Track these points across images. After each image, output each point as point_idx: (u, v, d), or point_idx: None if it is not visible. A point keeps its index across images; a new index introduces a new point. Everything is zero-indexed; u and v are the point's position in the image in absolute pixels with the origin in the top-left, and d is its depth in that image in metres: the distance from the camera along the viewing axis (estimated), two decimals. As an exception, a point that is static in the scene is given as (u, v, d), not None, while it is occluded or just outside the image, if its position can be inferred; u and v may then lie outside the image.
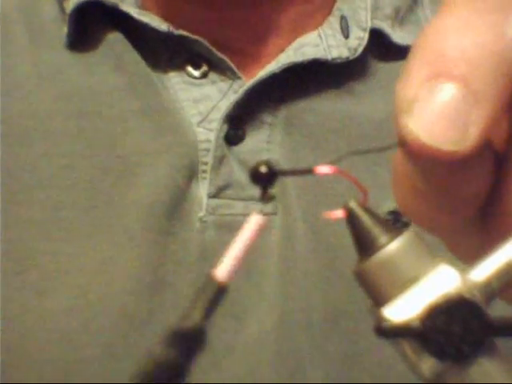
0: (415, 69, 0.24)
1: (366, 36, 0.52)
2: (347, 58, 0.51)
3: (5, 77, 0.51)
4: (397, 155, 0.26)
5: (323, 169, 0.27)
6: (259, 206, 0.48)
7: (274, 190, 0.49)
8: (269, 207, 0.49)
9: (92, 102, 0.50)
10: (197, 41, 0.50)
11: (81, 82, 0.51)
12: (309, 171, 0.27)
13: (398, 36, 0.53)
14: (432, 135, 0.23)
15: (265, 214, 0.48)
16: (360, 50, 0.51)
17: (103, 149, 0.49)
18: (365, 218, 0.28)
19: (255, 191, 0.50)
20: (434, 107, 0.23)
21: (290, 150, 0.50)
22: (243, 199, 0.49)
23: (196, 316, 0.25)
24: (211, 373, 0.46)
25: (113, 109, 0.50)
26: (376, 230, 0.27)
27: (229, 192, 0.49)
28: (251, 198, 0.49)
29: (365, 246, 0.27)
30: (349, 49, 0.51)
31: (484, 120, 0.23)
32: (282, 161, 0.50)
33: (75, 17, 0.51)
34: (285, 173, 0.26)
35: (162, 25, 0.50)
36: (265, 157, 0.49)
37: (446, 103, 0.23)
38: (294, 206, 0.48)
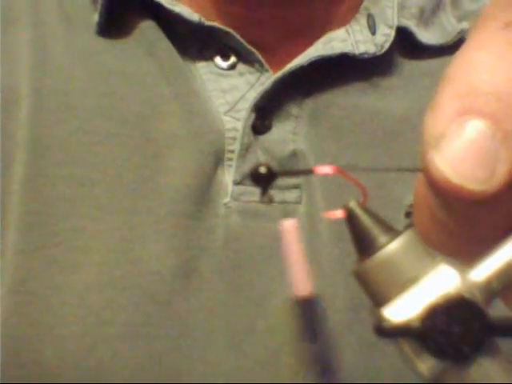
0: (445, 102, 0.23)
1: (392, 33, 0.52)
2: (374, 53, 0.52)
3: (38, 53, 0.51)
4: (420, 183, 0.26)
5: (323, 169, 0.27)
6: (283, 194, 0.49)
7: (298, 180, 0.49)
8: (293, 195, 0.49)
9: (124, 84, 0.51)
10: (227, 33, 0.51)
11: (113, 64, 0.52)
12: (309, 172, 0.27)
13: (423, 35, 0.54)
14: (458, 173, 0.23)
15: (289, 203, 0.49)
16: (386, 46, 0.52)
17: (133, 129, 0.50)
18: (364, 218, 0.28)
19: (279, 180, 0.50)
20: (462, 144, 0.23)
21: (315, 141, 0.51)
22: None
23: (312, 340, 0.25)
24: (231, 354, 0.47)
25: (144, 92, 0.51)
26: (376, 230, 0.27)
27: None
28: (275, 187, 0.49)
29: (365, 246, 0.27)
30: (375, 45, 0.52)
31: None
32: (306, 151, 0.50)
33: (107, 5, 0.51)
34: (285, 173, 0.26)
35: (192, 15, 0.51)
36: (290, 147, 0.50)
37: (474, 140, 0.23)
38: (318, 194, 0.49)
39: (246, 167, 0.49)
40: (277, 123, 0.51)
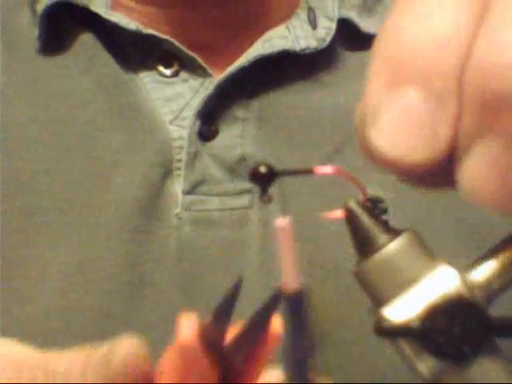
0: (374, 77, 0.23)
1: (333, 26, 0.52)
2: (315, 48, 0.51)
3: None
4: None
5: (323, 169, 0.26)
6: (234, 200, 0.48)
7: (249, 184, 0.49)
8: (244, 201, 0.49)
9: (65, 107, 0.51)
10: (166, 40, 0.50)
11: (53, 87, 0.51)
12: (309, 171, 0.27)
13: (366, 25, 0.53)
14: (396, 147, 0.22)
15: (241, 208, 0.48)
16: (328, 39, 0.52)
17: (78, 152, 0.50)
18: (364, 218, 0.28)
19: (230, 186, 0.50)
20: (396, 116, 0.22)
21: (264, 143, 0.50)
22: (218, 194, 0.49)
23: (295, 335, 0.25)
24: None
25: (85, 110, 0.50)
26: (376, 230, 0.27)
27: (204, 188, 0.49)
28: (226, 194, 0.49)
29: (365, 246, 0.27)
30: (317, 39, 0.51)
31: (451, 119, 0.22)
32: (256, 154, 0.50)
33: (46, 20, 0.51)
34: (284, 173, 0.26)
35: (130, 24, 0.50)
36: (238, 151, 0.50)
37: (407, 109, 0.22)
38: (271, 199, 0.49)
39: (195, 176, 0.49)
40: (224, 128, 0.50)
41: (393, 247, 0.27)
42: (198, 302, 0.47)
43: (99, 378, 0.26)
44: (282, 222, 0.25)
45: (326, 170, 0.26)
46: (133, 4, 0.52)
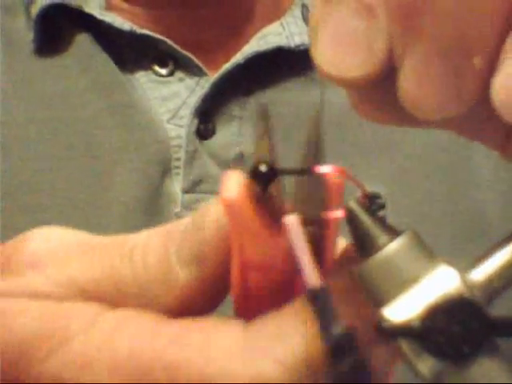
0: None
1: None
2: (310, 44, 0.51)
3: None
4: None
5: (323, 168, 0.26)
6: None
7: None
8: None
9: (64, 106, 0.51)
10: (160, 40, 0.50)
11: (52, 87, 0.51)
12: (309, 171, 0.27)
13: None
14: (334, 64, 0.22)
15: None
16: None
17: (79, 150, 0.50)
18: (365, 218, 0.28)
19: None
20: (331, 35, 0.22)
21: None
22: (217, 193, 0.49)
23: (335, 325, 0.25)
24: None
25: (84, 110, 0.50)
26: (376, 230, 0.27)
27: (203, 186, 0.49)
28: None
29: (365, 246, 0.27)
30: None
31: (384, 33, 0.22)
32: (252, 152, 0.50)
33: (41, 22, 0.51)
34: (284, 172, 0.26)
35: (123, 24, 0.50)
36: (236, 150, 0.50)
37: (340, 26, 0.22)
38: None
39: (194, 174, 0.49)
40: (221, 126, 0.50)
41: (393, 247, 0.27)
42: None
43: (186, 251, 0.24)
44: (291, 219, 0.25)
45: (326, 169, 0.26)
46: (125, 6, 0.52)
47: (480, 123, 0.26)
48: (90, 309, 0.25)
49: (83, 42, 0.52)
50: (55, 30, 0.52)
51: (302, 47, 0.51)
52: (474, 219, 0.49)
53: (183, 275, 0.24)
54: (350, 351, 0.25)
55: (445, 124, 0.26)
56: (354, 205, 0.28)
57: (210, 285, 0.25)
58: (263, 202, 0.25)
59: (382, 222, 0.28)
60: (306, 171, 0.26)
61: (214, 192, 0.49)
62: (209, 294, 0.25)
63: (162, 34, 0.51)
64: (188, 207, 0.49)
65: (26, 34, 0.53)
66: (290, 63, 0.52)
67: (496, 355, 0.26)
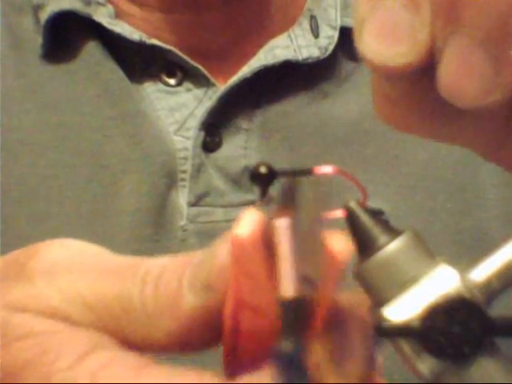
0: None
1: (335, 34, 0.51)
2: (318, 57, 0.51)
3: None
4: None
5: (323, 169, 0.26)
6: (239, 212, 0.48)
7: (254, 196, 0.49)
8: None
9: (73, 113, 0.51)
10: (169, 50, 0.50)
11: (60, 92, 0.51)
12: (309, 171, 0.27)
13: None
14: (377, 53, 0.24)
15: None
16: (331, 48, 0.51)
17: (87, 158, 0.49)
18: (365, 218, 0.28)
19: (234, 197, 0.50)
20: (376, 23, 0.24)
21: (267, 154, 0.50)
22: (223, 206, 0.49)
23: (290, 340, 0.25)
24: None
25: (93, 117, 0.50)
26: (376, 230, 0.27)
27: (208, 199, 0.49)
28: (231, 205, 0.49)
29: (365, 246, 0.27)
30: (319, 48, 0.51)
31: (427, 24, 0.23)
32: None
33: (50, 27, 0.51)
34: (284, 173, 0.26)
35: (133, 34, 0.50)
36: (242, 163, 0.49)
37: (387, 17, 0.23)
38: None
39: (200, 187, 0.48)
40: (227, 139, 0.50)
41: (393, 247, 0.27)
42: None
43: (197, 279, 0.24)
44: (282, 222, 0.25)
45: (326, 169, 0.26)
46: (137, 10, 0.52)
47: (500, 140, 0.26)
48: (81, 345, 0.25)
49: (92, 49, 0.52)
50: (64, 37, 0.52)
51: (309, 60, 0.51)
52: (477, 237, 0.49)
53: (190, 301, 0.25)
54: (296, 368, 0.25)
55: (465, 139, 0.26)
56: (354, 205, 0.28)
57: (214, 315, 0.25)
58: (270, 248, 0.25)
59: (382, 222, 0.28)
60: (305, 172, 0.26)
61: (218, 205, 0.49)
62: (212, 325, 0.25)
63: (169, 40, 0.51)
64: (193, 220, 0.48)
65: (34, 37, 0.52)
66: (298, 76, 0.52)
67: (496, 355, 0.26)
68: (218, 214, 0.49)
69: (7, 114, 0.51)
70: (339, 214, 0.28)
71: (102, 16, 0.51)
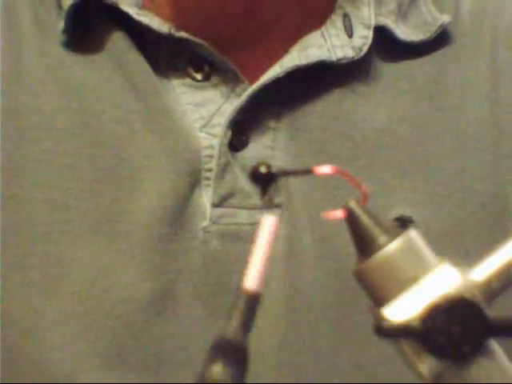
0: None
1: (370, 34, 0.50)
2: (352, 57, 0.49)
3: (11, 62, 0.50)
4: None
5: (323, 169, 0.27)
6: (263, 214, 0.47)
7: (279, 198, 0.49)
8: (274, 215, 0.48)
9: (96, 100, 0.49)
10: (198, 42, 0.49)
11: (84, 78, 0.50)
12: (308, 171, 0.27)
13: (402, 31, 0.51)
14: None
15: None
16: (365, 49, 0.50)
17: (107, 150, 0.48)
18: (365, 218, 0.28)
19: (259, 199, 0.50)
20: None
21: (294, 155, 0.49)
22: (247, 208, 0.48)
23: (234, 329, 0.25)
24: None
25: (116, 108, 0.49)
26: (376, 230, 0.27)
27: (233, 201, 0.48)
28: (255, 207, 0.48)
29: (365, 246, 0.27)
30: (353, 48, 0.50)
31: None
32: (285, 167, 0.49)
33: (73, 13, 0.50)
34: (284, 173, 0.26)
35: (162, 27, 0.49)
36: (268, 163, 0.49)
37: None
38: (300, 214, 0.48)
39: (225, 188, 0.48)
40: (254, 138, 0.49)
41: (393, 247, 0.27)
42: (220, 319, 0.46)
43: None
44: (269, 219, 0.25)
45: (326, 170, 0.26)
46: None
47: None
48: None
49: (117, 39, 0.50)
50: (88, 24, 0.51)
51: (343, 61, 0.50)
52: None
53: None
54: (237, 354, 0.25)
55: None
56: (354, 205, 0.28)
57: None
58: None
59: (382, 222, 0.28)
60: (306, 172, 0.26)
61: (243, 207, 0.48)
62: None
63: (198, 29, 0.49)
64: (216, 221, 0.48)
65: (57, 24, 0.51)
66: (328, 75, 0.51)
67: (496, 355, 0.26)
68: (242, 216, 0.48)
69: (28, 94, 0.50)
70: (339, 214, 0.28)
71: (129, 5, 0.50)
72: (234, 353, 0.25)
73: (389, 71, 0.51)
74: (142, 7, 0.50)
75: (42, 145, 0.48)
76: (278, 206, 0.47)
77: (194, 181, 0.48)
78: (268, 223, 0.25)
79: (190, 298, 0.46)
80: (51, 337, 0.46)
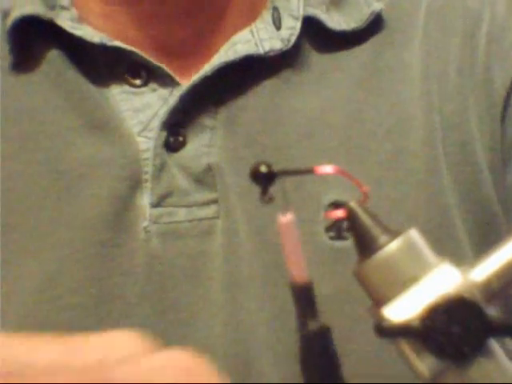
0: None
1: (298, 25, 0.51)
2: (280, 49, 0.50)
3: None
4: None
5: (324, 169, 0.27)
6: (201, 211, 0.48)
7: (215, 194, 0.49)
8: (211, 211, 0.48)
9: (33, 123, 0.51)
10: (132, 51, 0.50)
11: (22, 103, 0.51)
12: (309, 171, 0.27)
13: (335, 21, 0.52)
14: None
15: (208, 219, 0.48)
16: (293, 39, 0.51)
17: (45, 167, 0.49)
18: (365, 218, 0.28)
19: (197, 196, 0.50)
20: None
21: (230, 150, 0.50)
22: (186, 205, 0.49)
23: (312, 320, 0.25)
24: None
25: (53, 126, 0.50)
26: (376, 230, 0.27)
27: (171, 199, 0.49)
28: (194, 204, 0.49)
29: (365, 246, 0.27)
30: (282, 40, 0.50)
31: None
32: (221, 163, 0.49)
33: (14, 34, 0.51)
34: (285, 173, 0.26)
35: (95, 37, 0.49)
36: (205, 161, 0.49)
37: None
38: (237, 208, 0.48)
39: (162, 188, 0.48)
40: (192, 137, 0.49)
41: (393, 247, 0.27)
42: (168, 315, 0.47)
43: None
44: (285, 218, 0.25)
45: (327, 169, 0.26)
46: (101, 6, 0.52)
47: None
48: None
49: (54, 57, 0.51)
50: (28, 44, 0.52)
51: (271, 53, 0.50)
52: (442, 225, 0.49)
53: None
54: (321, 347, 0.26)
55: None
56: (354, 205, 0.28)
57: None
58: None
59: (382, 222, 0.28)
60: (306, 172, 0.26)
61: (181, 205, 0.49)
62: None
63: (134, 36, 0.50)
64: (156, 221, 0.48)
65: (1, 47, 0.52)
66: (261, 69, 0.51)
67: (496, 355, 0.26)
68: (181, 213, 0.49)
69: None
70: (339, 214, 0.28)
71: (65, 20, 0.51)
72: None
73: (322, 61, 0.52)
74: (79, 21, 0.51)
75: None
76: (214, 201, 0.48)
77: (134, 184, 0.49)
78: (285, 222, 0.25)
79: (136, 298, 0.47)
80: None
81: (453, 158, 0.49)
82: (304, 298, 0.25)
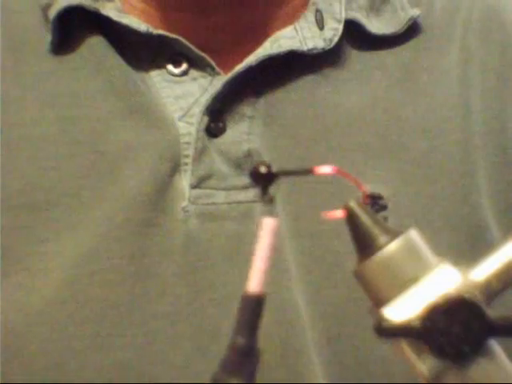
0: None
1: (340, 27, 0.52)
2: (323, 48, 0.52)
3: None
4: None
5: (323, 169, 0.27)
6: (240, 194, 0.49)
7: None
8: (250, 194, 0.49)
9: (74, 107, 0.51)
10: (176, 39, 0.51)
11: (63, 87, 0.52)
12: (309, 171, 0.27)
13: (374, 26, 0.54)
14: None
15: (247, 202, 0.49)
16: (335, 40, 0.52)
17: (86, 147, 0.50)
18: (365, 218, 0.28)
19: (236, 180, 0.51)
20: None
21: (269, 139, 0.51)
22: (225, 189, 0.50)
23: (244, 334, 0.25)
24: (197, 358, 0.47)
25: (95, 110, 0.51)
26: (376, 230, 0.27)
27: (211, 182, 0.50)
28: (233, 188, 0.50)
29: (365, 246, 0.27)
30: (324, 39, 0.52)
31: None
32: (261, 150, 0.51)
33: (58, 24, 0.52)
34: (284, 173, 0.26)
35: (140, 26, 0.51)
36: (245, 147, 0.50)
37: None
38: (275, 193, 0.49)
39: (202, 170, 0.49)
40: (231, 125, 0.51)
41: (393, 247, 0.27)
42: (203, 294, 0.48)
43: None
44: (269, 222, 0.25)
45: (326, 170, 0.26)
46: (143, 6, 0.53)
47: None
48: None
49: (97, 43, 0.53)
50: (70, 32, 0.53)
51: (314, 51, 0.52)
52: (473, 224, 0.50)
53: None
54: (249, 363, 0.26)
55: None
56: (354, 205, 0.28)
57: None
58: None
59: (382, 222, 0.28)
60: (306, 172, 0.26)
61: (220, 188, 0.50)
62: None
63: (176, 30, 0.52)
64: (195, 202, 0.49)
65: (39, 36, 0.53)
66: (302, 65, 0.53)
67: (496, 355, 0.26)
68: (220, 196, 0.50)
69: (7, 114, 0.52)
70: (339, 213, 0.28)
71: (110, 10, 0.52)
72: (246, 356, 0.25)
73: (361, 60, 0.54)
74: (122, 11, 0.52)
75: (22, 154, 0.50)
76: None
77: (174, 166, 0.50)
78: (267, 225, 0.25)
79: (173, 277, 0.48)
80: (38, 328, 0.47)
81: (492, 161, 0.51)
82: (248, 310, 0.25)
